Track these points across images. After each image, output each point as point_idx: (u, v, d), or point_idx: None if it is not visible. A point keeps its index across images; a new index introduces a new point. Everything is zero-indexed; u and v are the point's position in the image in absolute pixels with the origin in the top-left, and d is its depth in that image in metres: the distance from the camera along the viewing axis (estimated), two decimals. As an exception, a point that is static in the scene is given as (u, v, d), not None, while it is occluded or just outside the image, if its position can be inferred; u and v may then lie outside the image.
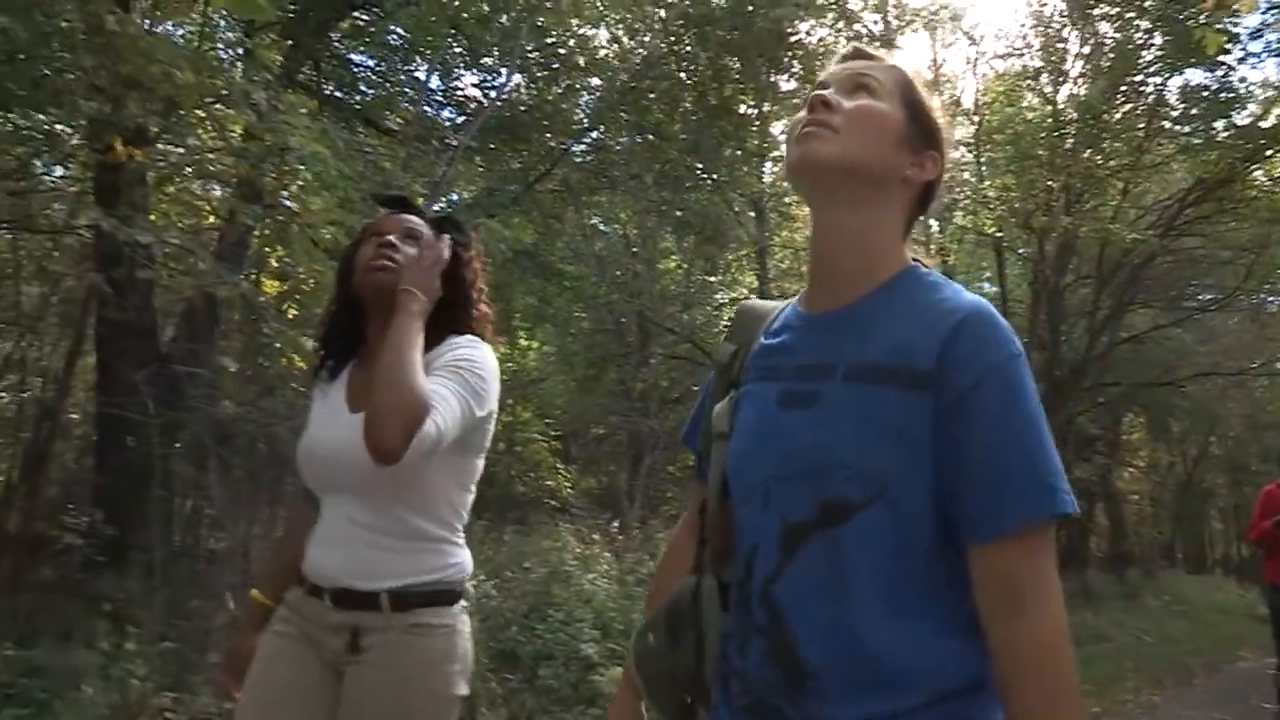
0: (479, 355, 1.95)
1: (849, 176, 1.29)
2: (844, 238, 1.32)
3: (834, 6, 12.50)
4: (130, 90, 4.93)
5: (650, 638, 1.42)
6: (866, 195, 1.30)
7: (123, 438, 5.86)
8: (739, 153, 12.47)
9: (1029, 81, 14.33)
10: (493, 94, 10.59)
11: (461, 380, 1.88)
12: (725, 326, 1.45)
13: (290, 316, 7.28)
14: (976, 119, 14.24)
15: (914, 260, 1.35)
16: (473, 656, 2.01)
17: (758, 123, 12.97)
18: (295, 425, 4.14)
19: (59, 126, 5.58)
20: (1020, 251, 14.42)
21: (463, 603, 2.00)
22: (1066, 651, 1.14)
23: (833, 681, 1.19)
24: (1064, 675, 1.13)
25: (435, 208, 6.99)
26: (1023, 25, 14.27)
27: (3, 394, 8.13)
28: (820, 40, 12.66)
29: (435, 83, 10.85)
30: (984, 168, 14.00)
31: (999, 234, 13.80)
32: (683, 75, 11.73)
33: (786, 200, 13.56)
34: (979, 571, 1.16)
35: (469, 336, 2.00)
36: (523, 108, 11.20)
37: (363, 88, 10.58)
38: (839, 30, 12.81)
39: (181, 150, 5.37)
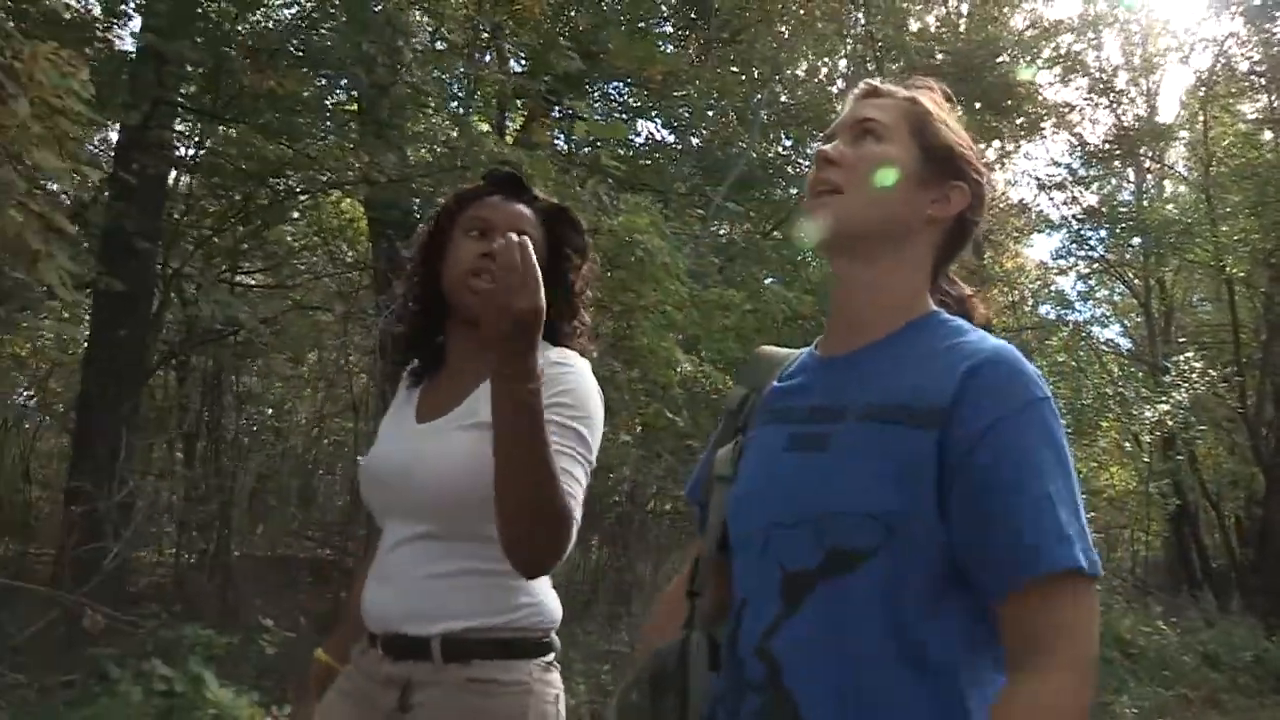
0: (582, 388, 1.65)
1: (860, 240, 1.26)
2: (862, 289, 1.29)
3: (1061, 59, 12.88)
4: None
5: (634, 695, 1.31)
6: (883, 249, 1.27)
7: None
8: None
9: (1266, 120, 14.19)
10: (734, 148, 11.41)
11: (576, 438, 1.60)
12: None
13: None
14: (1207, 161, 14.18)
15: (938, 304, 1.31)
16: None
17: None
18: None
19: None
20: (1262, 290, 14.20)
21: (546, 657, 1.65)
22: (1066, 717, 1.05)
23: None
24: None
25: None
26: (1253, 61, 13.94)
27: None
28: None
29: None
30: (1216, 207, 13.94)
31: (1241, 274, 13.72)
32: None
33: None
34: (1001, 625, 1.11)
35: (560, 351, 1.69)
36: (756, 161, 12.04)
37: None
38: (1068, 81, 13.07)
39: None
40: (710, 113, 11.12)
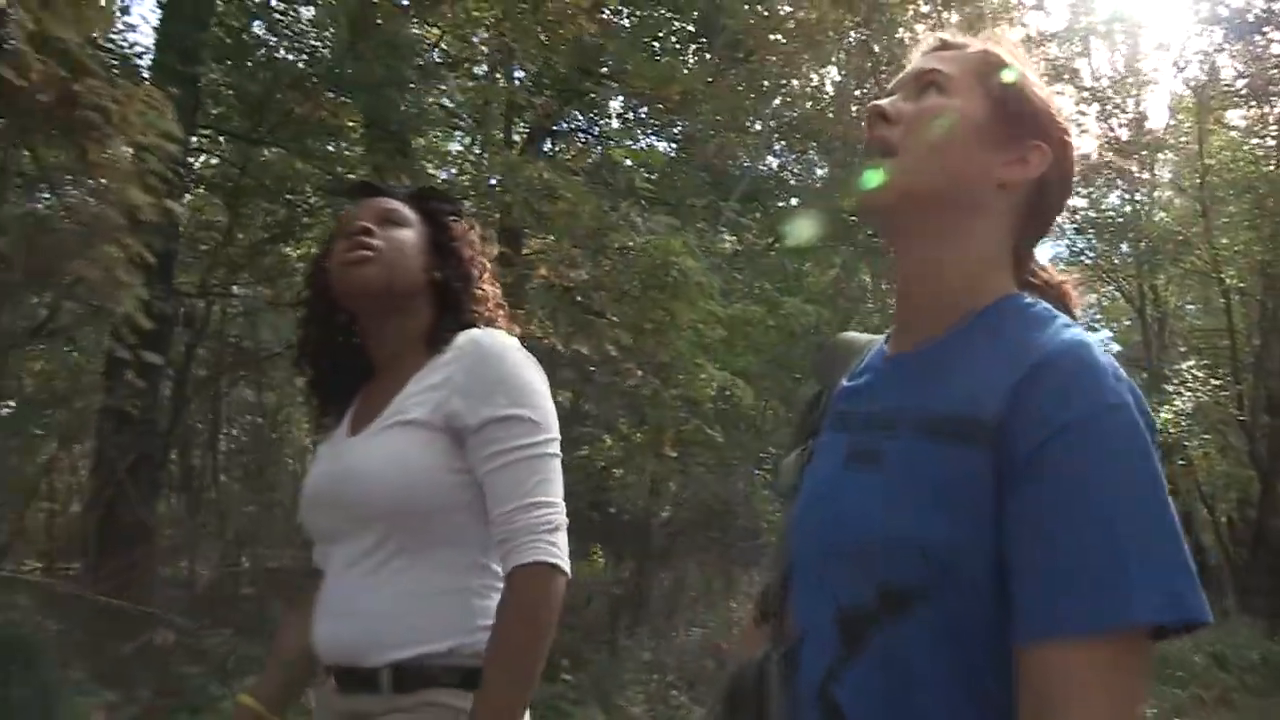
0: (506, 366, 1.54)
1: (919, 207, 1.08)
2: (924, 270, 1.11)
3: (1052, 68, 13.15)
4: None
5: (712, 716, 1.24)
6: (947, 220, 1.08)
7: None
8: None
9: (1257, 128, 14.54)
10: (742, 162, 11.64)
11: (527, 427, 1.51)
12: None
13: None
14: (1203, 172, 14.51)
15: (1024, 288, 1.12)
16: None
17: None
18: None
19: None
20: (1257, 298, 14.55)
21: None
22: None
23: None
24: None
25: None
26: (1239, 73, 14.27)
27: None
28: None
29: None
30: (1213, 218, 14.29)
31: (1241, 284, 14.08)
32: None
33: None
34: (1019, 677, 0.91)
35: (468, 334, 1.60)
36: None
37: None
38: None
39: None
40: (714, 130, 11.41)
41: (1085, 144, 15.88)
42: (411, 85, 6.56)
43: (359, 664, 1.48)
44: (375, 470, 1.51)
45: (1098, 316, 18.73)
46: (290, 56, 6.46)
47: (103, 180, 3.56)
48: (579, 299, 6.69)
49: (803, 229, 9.45)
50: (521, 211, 6.26)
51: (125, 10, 5.93)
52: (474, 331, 1.60)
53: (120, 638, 4.07)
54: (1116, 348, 18.31)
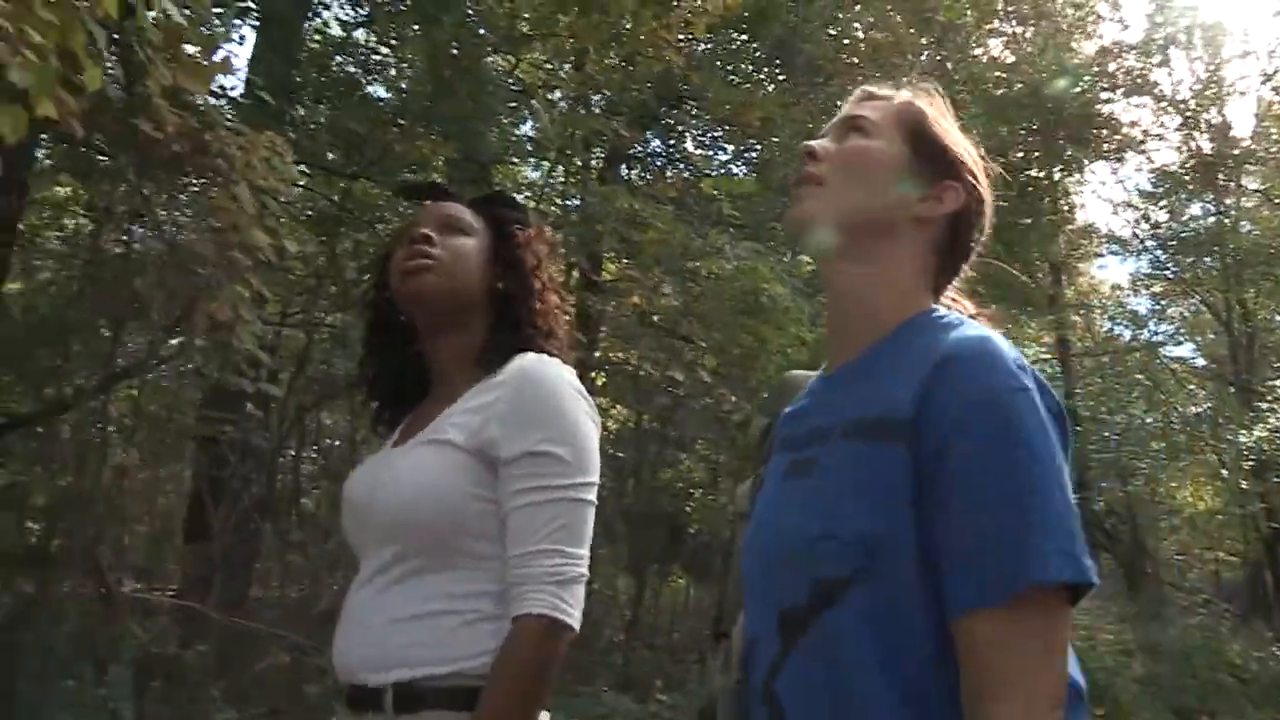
0: (542, 394, 1.49)
1: (843, 232, 1.19)
2: (852, 292, 1.21)
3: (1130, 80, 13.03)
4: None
5: None
6: (869, 246, 1.19)
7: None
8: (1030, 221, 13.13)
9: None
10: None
11: (554, 464, 1.45)
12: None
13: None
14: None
15: (943, 304, 1.23)
16: None
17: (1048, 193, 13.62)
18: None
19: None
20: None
21: None
22: None
23: None
24: None
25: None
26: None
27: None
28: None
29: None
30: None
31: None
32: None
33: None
34: (958, 648, 0.99)
35: (518, 362, 1.52)
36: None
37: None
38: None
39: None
40: (790, 153, 11.48)
41: (1164, 155, 15.69)
42: (500, 117, 6.74)
43: (365, 682, 1.44)
44: (397, 485, 1.48)
45: (1182, 331, 18.28)
46: (384, 93, 6.69)
47: (228, 224, 3.75)
48: (663, 324, 6.79)
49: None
50: (611, 240, 6.39)
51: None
52: (528, 357, 1.53)
53: (244, 658, 4.22)
54: (1201, 361, 17.89)
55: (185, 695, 3.53)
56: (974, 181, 1.23)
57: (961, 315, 1.17)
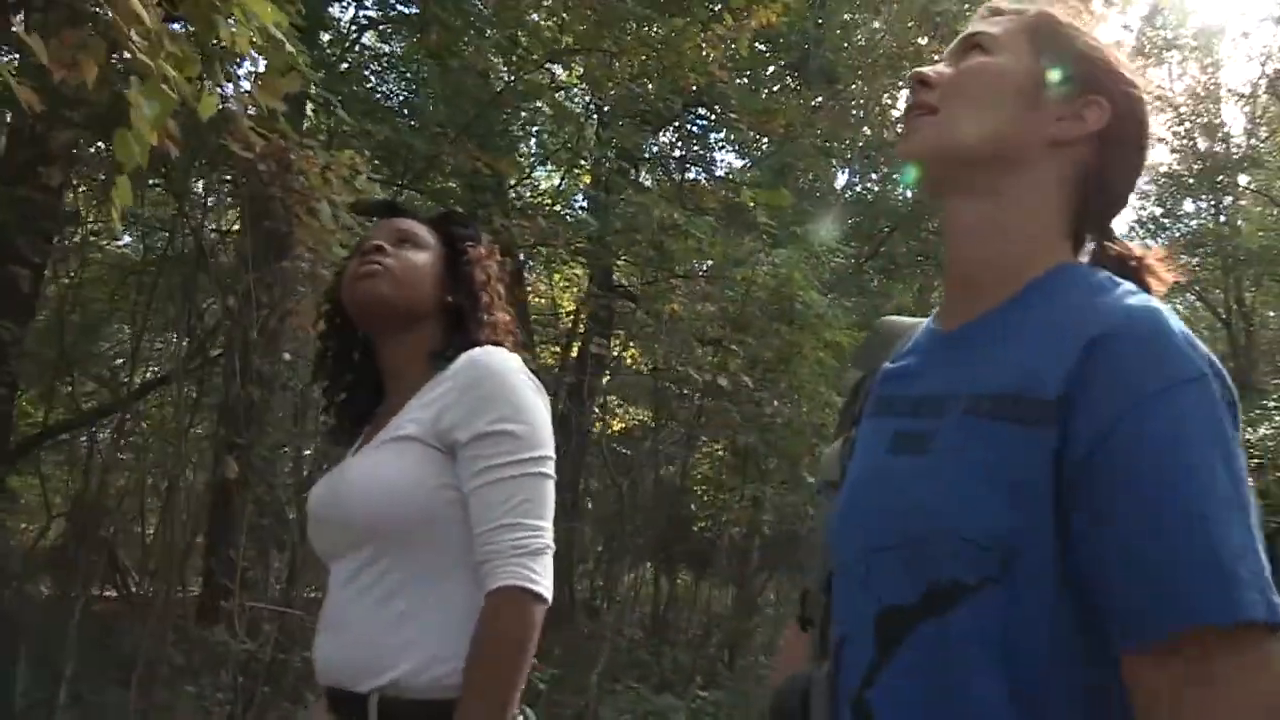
0: (495, 381, 1.51)
1: (961, 163, 1.03)
2: (973, 235, 1.04)
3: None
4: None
5: None
6: (994, 178, 1.02)
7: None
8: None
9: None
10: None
11: (509, 441, 1.47)
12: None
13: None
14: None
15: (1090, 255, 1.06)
16: None
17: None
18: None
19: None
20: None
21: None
22: None
23: None
24: None
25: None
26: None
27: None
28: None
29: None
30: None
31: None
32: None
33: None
34: (1129, 685, 0.84)
35: (468, 354, 1.55)
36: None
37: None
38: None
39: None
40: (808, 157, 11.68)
41: (1157, 154, 15.87)
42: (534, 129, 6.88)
43: (350, 688, 1.43)
44: (359, 486, 1.49)
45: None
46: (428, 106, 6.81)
47: (313, 242, 3.87)
48: (693, 329, 6.94)
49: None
50: (644, 248, 6.54)
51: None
52: (474, 350, 1.55)
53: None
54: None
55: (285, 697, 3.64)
56: (1127, 92, 1.03)
57: (1113, 277, 0.98)
